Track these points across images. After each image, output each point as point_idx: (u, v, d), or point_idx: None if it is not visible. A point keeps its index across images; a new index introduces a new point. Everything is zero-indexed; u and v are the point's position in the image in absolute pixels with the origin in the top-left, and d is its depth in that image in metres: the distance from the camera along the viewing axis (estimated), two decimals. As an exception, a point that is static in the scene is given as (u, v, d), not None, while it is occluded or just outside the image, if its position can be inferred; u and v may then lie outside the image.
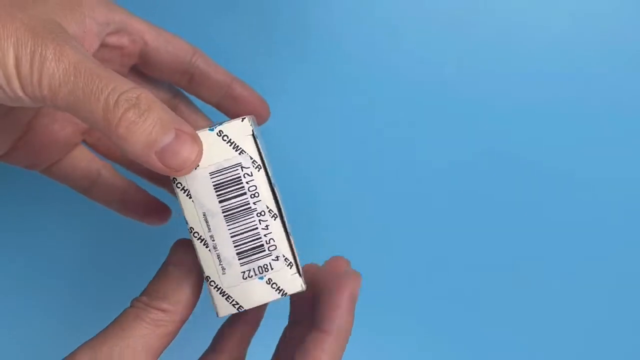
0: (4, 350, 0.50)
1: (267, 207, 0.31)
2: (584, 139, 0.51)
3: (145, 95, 0.29)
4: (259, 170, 0.31)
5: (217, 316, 0.32)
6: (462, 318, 0.51)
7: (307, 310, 0.36)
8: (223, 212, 0.31)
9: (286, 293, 0.31)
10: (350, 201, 0.50)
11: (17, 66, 0.28)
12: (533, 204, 0.51)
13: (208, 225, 0.31)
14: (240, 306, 0.32)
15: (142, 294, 0.32)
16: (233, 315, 0.38)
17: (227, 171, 0.31)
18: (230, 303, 0.32)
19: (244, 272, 0.32)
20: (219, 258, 0.31)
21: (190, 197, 0.31)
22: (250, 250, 0.31)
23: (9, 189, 0.51)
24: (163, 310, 0.31)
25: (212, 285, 0.31)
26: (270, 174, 0.32)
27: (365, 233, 0.51)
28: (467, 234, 0.51)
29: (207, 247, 0.31)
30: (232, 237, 0.31)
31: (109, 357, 0.30)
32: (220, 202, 0.31)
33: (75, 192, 0.43)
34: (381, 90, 0.50)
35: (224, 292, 0.32)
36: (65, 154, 0.41)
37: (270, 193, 0.31)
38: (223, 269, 0.31)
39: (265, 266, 0.32)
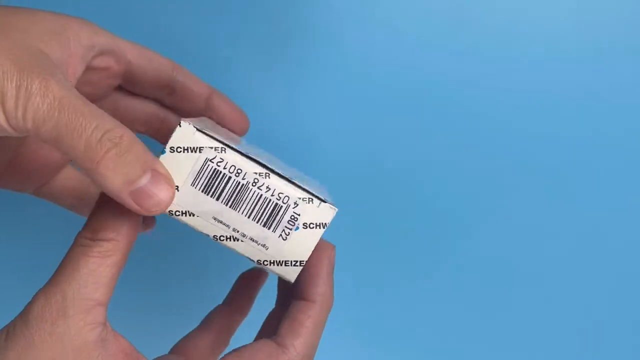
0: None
1: (256, 173, 0.33)
2: (585, 138, 0.51)
3: (127, 135, 0.30)
4: (225, 152, 0.32)
5: (292, 282, 0.34)
6: (462, 317, 0.51)
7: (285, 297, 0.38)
8: (226, 204, 0.33)
9: (326, 223, 0.33)
10: (350, 200, 0.50)
11: (2, 100, 0.29)
12: (533, 203, 0.51)
13: (224, 224, 0.33)
14: (301, 261, 0.33)
15: (84, 230, 0.32)
16: (225, 299, 0.41)
17: (202, 172, 0.32)
18: (292, 265, 0.33)
19: (280, 235, 0.33)
20: (254, 240, 0.33)
21: (192, 215, 0.33)
22: (271, 215, 0.33)
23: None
24: (108, 240, 0.31)
25: (267, 264, 0.33)
26: (236, 147, 0.33)
27: (366, 232, 0.51)
28: (467, 233, 0.51)
29: (237, 240, 0.33)
30: (248, 217, 0.33)
31: (62, 301, 0.30)
32: (217, 199, 0.33)
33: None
34: (381, 90, 0.50)
35: (279, 261, 0.33)
36: (54, 176, 0.42)
37: (248, 160, 0.33)
38: (263, 245, 0.33)
39: (293, 217, 0.33)
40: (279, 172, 0.33)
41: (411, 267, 0.51)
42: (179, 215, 0.33)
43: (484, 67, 0.50)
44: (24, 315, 0.30)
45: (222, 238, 0.33)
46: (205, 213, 0.32)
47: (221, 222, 0.33)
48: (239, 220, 0.33)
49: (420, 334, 0.52)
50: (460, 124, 0.50)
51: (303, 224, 0.33)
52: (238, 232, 0.33)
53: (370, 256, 0.51)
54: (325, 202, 0.33)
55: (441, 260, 0.51)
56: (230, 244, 0.33)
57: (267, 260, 0.33)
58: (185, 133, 0.32)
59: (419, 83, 0.50)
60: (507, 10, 0.50)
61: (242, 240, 0.33)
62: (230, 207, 0.32)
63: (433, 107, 0.50)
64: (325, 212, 0.33)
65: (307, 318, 0.34)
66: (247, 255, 0.33)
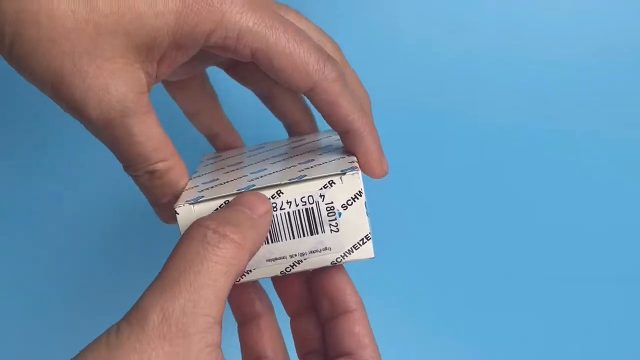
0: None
1: (269, 199, 0.33)
2: (585, 138, 0.51)
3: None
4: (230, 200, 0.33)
5: (374, 257, 0.33)
6: (465, 316, 0.51)
7: (300, 304, 0.37)
8: (267, 243, 0.33)
9: (360, 190, 0.32)
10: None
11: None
12: (533, 203, 0.51)
13: (279, 258, 0.33)
14: (366, 236, 0.33)
15: (209, 219, 0.30)
16: None
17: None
18: (362, 245, 0.33)
19: (331, 230, 0.33)
20: (314, 252, 0.33)
21: (250, 272, 0.33)
22: (309, 222, 0.33)
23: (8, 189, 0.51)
24: (233, 240, 0.29)
25: (342, 260, 0.33)
26: (238, 189, 0.33)
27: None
28: (470, 233, 0.51)
29: (302, 261, 0.33)
30: (294, 238, 0.33)
31: (182, 317, 0.27)
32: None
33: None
34: (380, 90, 0.50)
35: (348, 251, 0.33)
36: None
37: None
38: (325, 249, 0.33)
39: (329, 209, 0.33)
40: (288, 179, 0.32)
41: (411, 267, 0.51)
42: (241, 280, 0.33)
43: (483, 67, 0.50)
44: (139, 321, 0.27)
45: (288, 270, 0.33)
46: (257, 263, 0.33)
47: (276, 259, 0.32)
48: (289, 246, 0.32)
49: (420, 333, 0.52)
50: (460, 124, 0.50)
51: (342, 206, 0.32)
52: (296, 255, 0.32)
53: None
54: (344, 173, 0.32)
55: (441, 260, 0.51)
56: (299, 268, 0.33)
57: (339, 257, 0.33)
58: (186, 215, 0.32)
59: (418, 83, 0.50)
60: (506, 11, 0.50)
61: (306, 259, 0.33)
62: (272, 242, 0.32)
63: (432, 107, 0.50)
64: (352, 182, 0.32)
65: (362, 327, 0.34)
66: (321, 265, 0.33)
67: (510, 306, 0.51)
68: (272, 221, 0.32)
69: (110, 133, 0.32)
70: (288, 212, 0.32)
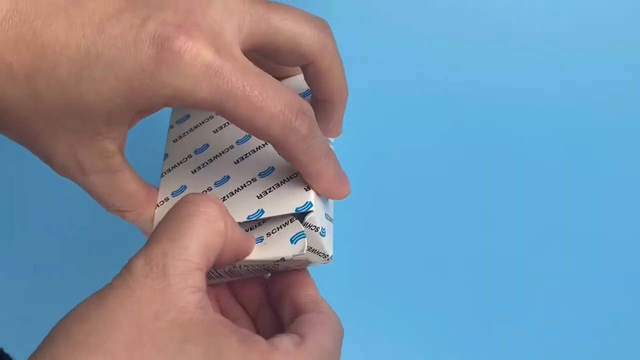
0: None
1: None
2: (586, 138, 0.51)
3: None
4: None
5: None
6: (460, 318, 0.51)
7: (261, 304, 0.37)
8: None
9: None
10: (347, 202, 0.50)
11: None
12: (531, 203, 0.51)
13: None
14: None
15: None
16: None
17: None
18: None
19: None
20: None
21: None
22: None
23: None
24: (214, 202, 0.30)
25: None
26: None
27: (364, 232, 0.51)
28: (465, 233, 0.51)
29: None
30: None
31: (163, 259, 0.28)
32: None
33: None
34: (380, 90, 0.50)
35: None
36: None
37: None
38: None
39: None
40: (246, 216, 0.33)
41: (411, 266, 0.51)
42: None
43: (483, 67, 0.50)
44: (123, 273, 0.29)
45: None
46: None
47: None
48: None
49: (420, 333, 0.52)
50: (460, 123, 0.51)
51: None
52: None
53: (369, 255, 0.51)
54: (301, 218, 0.33)
55: (440, 259, 0.51)
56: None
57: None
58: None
59: (418, 83, 0.50)
60: (506, 12, 0.50)
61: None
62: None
63: (432, 107, 0.50)
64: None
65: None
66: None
67: (502, 309, 0.52)
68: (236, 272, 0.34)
69: (75, 182, 0.33)
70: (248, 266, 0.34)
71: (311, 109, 0.32)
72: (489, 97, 0.50)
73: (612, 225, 0.51)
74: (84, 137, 0.31)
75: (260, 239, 0.33)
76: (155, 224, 0.33)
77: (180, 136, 0.39)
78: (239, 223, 0.32)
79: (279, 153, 0.33)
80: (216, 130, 0.38)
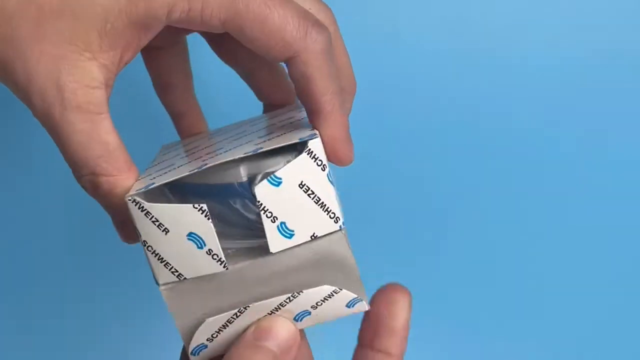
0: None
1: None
2: (586, 137, 0.51)
3: None
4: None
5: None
6: (461, 316, 0.51)
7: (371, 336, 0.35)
8: None
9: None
10: (347, 201, 0.50)
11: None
12: (531, 203, 0.51)
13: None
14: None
15: None
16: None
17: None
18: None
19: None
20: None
21: None
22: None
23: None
24: None
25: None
26: None
27: (363, 232, 0.51)
28: (465, 234, 0.51)
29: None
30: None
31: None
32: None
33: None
34: (379, 90, 0.50)
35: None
36: None
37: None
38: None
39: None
40: (243, 152, 0.29)
41: (410, 265, 0.52)
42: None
43: (481, 67, 0.50)
44: None
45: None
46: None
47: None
48: None
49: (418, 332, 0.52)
50: (458, 124, 0.50)
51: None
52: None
53: (368, 254, 0.51)
54: (305, 141, 0.28)
55: (440, 259, 0.51)
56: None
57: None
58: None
59: (417, 83, 0.50)
60: (505, 12, 0.50)
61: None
62: None
63: (431, 107, 0.50)
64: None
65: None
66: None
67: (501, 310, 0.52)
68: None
69: (50, 125, 0.29)
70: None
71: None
72: (488, 97, 0.50)
73: (612, 224, 0.51)
74: (72, 51, 0.29)
75: (307, 313, 0.30)
76: (130, 193, 0.29)
77: (171, 151, 0.37)
78: (245, 165, 0.29)
79: (291, 75, 0.30)
80: (210, 139, 0.37)
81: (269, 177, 0.28)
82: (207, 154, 0.32)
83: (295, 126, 0.32)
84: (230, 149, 0.31)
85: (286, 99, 0.39)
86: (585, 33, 0.50)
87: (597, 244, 0.51)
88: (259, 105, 0.41)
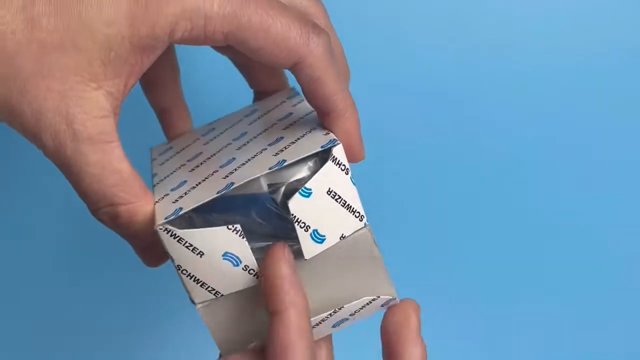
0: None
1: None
2: (585, 137, 0.51)
3: None
4: None
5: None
6: (459, 316, 0.52)
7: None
8: None
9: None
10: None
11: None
12: (531, 203, 0.52)
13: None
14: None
15: None
16: None
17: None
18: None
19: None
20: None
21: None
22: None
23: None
24: None
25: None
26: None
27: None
28: (465, 233, 0.51)
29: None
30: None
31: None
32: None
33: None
34: (379, 90, 0.50)
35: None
36: None
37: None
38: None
39: None
40: (267, 167, 0.29)
41: (409, 266, 0.52)
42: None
43: (481, 68, 0.50)
44: None
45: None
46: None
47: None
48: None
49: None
50: (458, 124, 0.51)
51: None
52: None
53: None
54: (328, 148, 0.29)
55: (439, 258, 0.52)
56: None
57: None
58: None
59: (417, 83, 0.50)
60: (507, 12, 0.50)
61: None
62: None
63: (431, 107, 0.50)
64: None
65: None
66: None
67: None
68: None
69: (62, 161, 0.29)
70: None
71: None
72: (488, 97, 0.50)
73: (611, 224, 0.52)
74: (78, 83, 0.28)
75: (345, 320, 0.31)
76: (158, 220, 0.29)
77: (167, 159, 0.36)
78: (265, 175, 0.29)
79: (299, 80, 0.30)
80: (206, 143, 0.36)
81: (300, 190, 0.29)
82: (221, 166, 0.31)
83: (303, 125, 0.32)
84: (247, 161, 0.31)
85: (279, 87, 0.39)
86: (584, 33, 0.50)
87: (598, 244, 0.52)
88: (237, 95, 0.41)
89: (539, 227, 0.51)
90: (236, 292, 0.30)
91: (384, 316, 0.33)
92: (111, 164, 0.29)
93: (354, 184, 0.30)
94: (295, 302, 0.29)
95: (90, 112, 0.29)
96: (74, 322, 0.52)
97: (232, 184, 0.29)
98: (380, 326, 0.33)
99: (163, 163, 0.36)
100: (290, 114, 0.34)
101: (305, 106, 0.34)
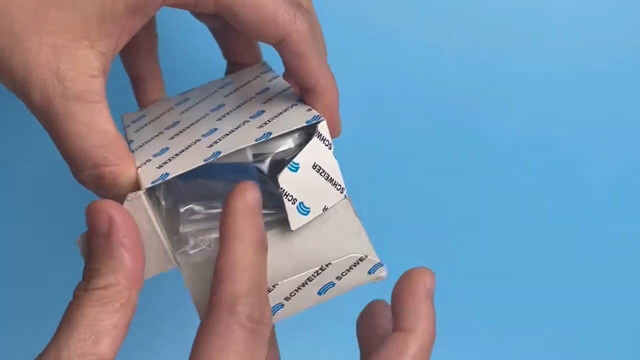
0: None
1: None
2: (585, 137, 0.51)
3: None
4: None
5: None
6: (459, 316, 0.51)
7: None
8: None
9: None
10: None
11: None
12: (531, 202, 0.51)
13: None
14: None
15: (80, 282, 0.28)
16: None
17: None
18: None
19: None
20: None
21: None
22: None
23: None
24: (105, 287, 0.27)
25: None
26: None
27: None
28: (464, 233, 0.51)
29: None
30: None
31: None
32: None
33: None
34: (379, 90, 0.51)
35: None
36: None
37: None
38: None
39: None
40: (254, 139, 0.30)
41: (410, 264, 0.51)
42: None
43: (481, 68, 0.50)
44: None
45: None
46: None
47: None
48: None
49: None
50: (457, 124, 0.51)
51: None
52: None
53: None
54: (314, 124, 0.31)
55: (439, 258, 0.51)
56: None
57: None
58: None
59: (416, 83, 0.50)
60: (505, 13, 0.50)
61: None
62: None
63: (430, 107, 0.51)
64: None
65: (406, 348, 0.30)
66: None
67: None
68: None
69: (50, 118, 0.29)
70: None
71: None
72: (488, 97, 0.51)
73: (611, 224, 0.51)
74: (72, 40, 0.28)
75: (332, 284, 0.31)
76: (144, 185, 0.29)
77: (142, 126, 0.36)
78: (251, 146, 0.30)
79: (283, 56, 0.31)
80: (183, 112, 0.36)
81: (289, 165, 0.30)
82: (203, 135, 0.32)
83: (283, 100, 0.33)
84: (230, 131, 0.32)
85: (254, 60, 0.40)
86: (585, 33, 0.50)
87: (598, 244, 0.52)
88: (209, 66, 0.41)
89: (539, 227, 0.51)
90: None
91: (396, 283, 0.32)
92: (98, 124, 0.29)
93: (335, 158, 0.31)
94: (240, 236, 0.28)
95: (81, 70, 0.28)
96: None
97: (219, 152, 0.30)
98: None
99: (138, 130, 0.36)
100: (267, 88, 0.35)
101: (280, 82, 0.36)
